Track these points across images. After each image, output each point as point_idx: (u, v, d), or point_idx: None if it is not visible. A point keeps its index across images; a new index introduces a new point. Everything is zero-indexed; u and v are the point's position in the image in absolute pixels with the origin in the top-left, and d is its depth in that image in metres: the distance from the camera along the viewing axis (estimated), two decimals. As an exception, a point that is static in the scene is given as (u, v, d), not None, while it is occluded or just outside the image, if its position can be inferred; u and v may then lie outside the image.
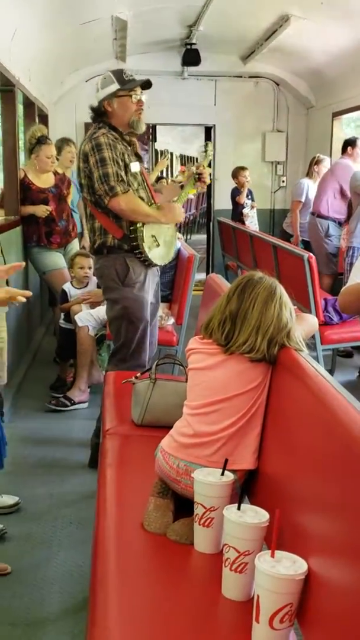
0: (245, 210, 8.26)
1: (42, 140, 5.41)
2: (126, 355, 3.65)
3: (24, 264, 2.67)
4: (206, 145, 3.95)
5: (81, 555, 2.89)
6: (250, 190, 8.38)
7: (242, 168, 8.25)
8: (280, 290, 2.09)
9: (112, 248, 3.54)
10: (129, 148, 3.58)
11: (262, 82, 9.16)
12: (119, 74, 3.51)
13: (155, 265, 3.64)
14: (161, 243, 3.61)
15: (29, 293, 2.58)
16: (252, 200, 8.36)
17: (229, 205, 8.69)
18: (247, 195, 8.29)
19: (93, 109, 3.58)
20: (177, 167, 22.19)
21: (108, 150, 3.40)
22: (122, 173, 3.42)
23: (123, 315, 3.60)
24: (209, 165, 3.84)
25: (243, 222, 8.20)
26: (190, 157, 23.01)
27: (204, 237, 10.72)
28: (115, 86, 3.48)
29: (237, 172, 8.22)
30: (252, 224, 8.26)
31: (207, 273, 9.19)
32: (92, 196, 3.50)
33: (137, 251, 3.51)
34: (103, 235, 3.55)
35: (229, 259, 8.70)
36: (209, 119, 9.29)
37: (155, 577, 1.81)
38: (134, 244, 3.49)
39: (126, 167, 3.47)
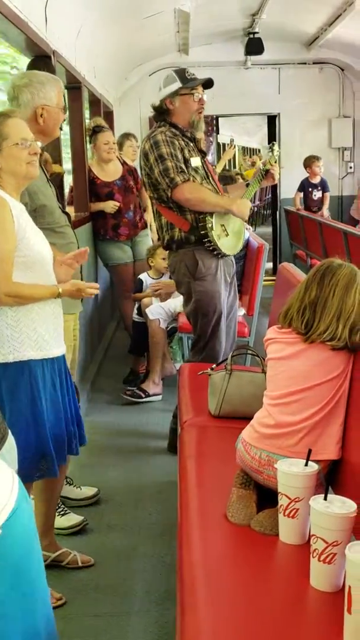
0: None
1: (97, 130, 5.48)
2: (202, 347, 3.67)
3: (87, 248, 2.70)
4: (272, 145, 3.91)
5: (163, 546, 2.92)
6: (324, 180, 8.26)
7: (316, 157, 8.13)
8: (361, 276, 2.05)
9: (180, 242, 3.56)
10: (191, 144, 3.58)
11: (326, 68, 9.01)
12: (181, 73, 3.53)
13: (225, 255, 3.62)
14: (230, 233, 3.60)
15: (96, 285, 2.60)
16: (327, 190, 8.24)
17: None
18: (318, 186, 8.18)
19: (155, 108, 3.62)
20: (239, 159, 22.09)
21: (165, 147, 3.43)
22: (182, 165, 3.44)
23: (196, 308, 3.62)
24: (276, 162, 3.80)
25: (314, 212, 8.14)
26: (253, 148, 22.88)
27: (268, 229, 10.63)
28: (177, 84, 3.51)
29: (310, 162, 8.09)
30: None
31: (274, 263, 9.11)
32: (154, 193, 3.52)
33: (206, 240, 3.50)
34: (170, 230, 3.57)
35: (297, 248, 8.61)
36: (274, 108, 9.19)
37: (242, 568, 1.80)
38: (203, 232, 3.49)
39: (186, 162, 3.48)
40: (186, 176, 3.42)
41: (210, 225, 3.47)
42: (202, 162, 3.60)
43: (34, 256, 2.39)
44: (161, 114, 3.59)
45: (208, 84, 3.57)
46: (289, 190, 9.00)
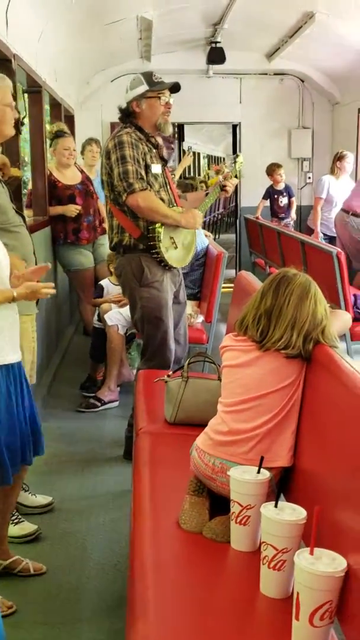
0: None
1: (59, 134, 5.49)
2: (151, 353, 3.68)
3: (49, 264, 2.68)
4: (236, 156, 3.95)
5: (116, 554, 2.90)
6: (288, 186, 8.33)
7: (278, 165, 8.20)
8: (315, 286, 2.08)
9: (128, 247, 3.56)
10: (154, 150, 3.59)
11: (287, 79, 9.11)
12: (148, 76, 3.55)
13: (172, 267, 3.63)
14: (179, 246, 3.62)
15: (50, 284, 2.57)
16: (292, 195, 8.30)
17: (255, 203, 8.65)
18: (283, 192, 8.24)
19: (121, 110, 3.62)
20: (204, 167, 22.21)
21: (129, 149, 3.43)
22: (142, 172, 3.44)
23: (142, 315, 3.63)
24: (236, 177, 3.85)
25: (280, 219, 8.19)
26: (218, 157, 23.03)
27: (232, 236, 10.69)
28: (144, 87, 3.52)
29: (272, 170, 8.16)
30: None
31: (237, 271, 9.17)
32: (111, 193, 3.52)
33: (153, 251, 3.51)
34: (120, 234, 3.57)
35: (257, 256, 8.68)
36: (235, 117, 9.26)
37: (193, 575, 1.81)
38: (151, 243, 3.50)
39: (147, 167, 3.49)
40: (144, 184, 3.43)
41: (159, 236, 3.48)
42: (162, 170, 3.61)
43: None
44: (127, 116, 3.59)
45: (175, 88, 3.58)
46: (249, 198, 9.08)
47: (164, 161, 3.68)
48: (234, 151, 10.14)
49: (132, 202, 3.42)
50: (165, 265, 3.58)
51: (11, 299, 2.40)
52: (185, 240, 3.65)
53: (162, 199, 3.53)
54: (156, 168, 3.55)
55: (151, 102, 3.53)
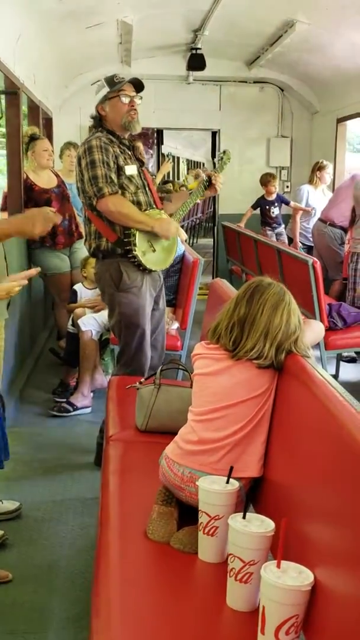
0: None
1: (35, 137, 5.47)
2: (127, 360, 3.65)
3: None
4: (224, 152, 3.92)
5: (84, 563, 2.86)
6: (279, 195, 8.22)
7: (273, 176, 8.06)
8: (289, 296, 2.07)
9: (106, 252, 3.54)
10: (128, 152, 3.57)
11: (266, 87, 9.14)
12: (110, 78, 3.54)
13: (151, 270, 3.61)
14: (158, 249, 3.58)
15: (21, 279, 2.53)
16: (286, 202, 8.06)
17: (233, 210, 8.66)
18: (275, 203, 8.12)
19: (92, 117, 3.62)
20: (183, 171, 22.23)
21: (98, 153, 3.41)
22: (113, 175, 3.42)
23: (120, 320, 3.61)
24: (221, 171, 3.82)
25: (273, 229, 8.11)
26: (197, 162, 23.05)
27: (210, 241, 10.69)
28: (105, 90, 3.52)
29: (267, 180, 8.04)
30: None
31: (214, 277, 9.16)
32: (85, 199, 3.50)
33: (130, 255, 3.49)
34: (97, 239, 3.55)
35: (233, 264, 8.68)
36: (214, 124, 9.26)
37: (159, 586, 1.78)
38: (127, 248, 3.48)
39: (120, 169, 3.46)
40: (114, 188, 3.40)
41: (134, 240, 3.46)
42: (139, 171, 3.58)
43: None
44: (99, 121, 3.59)
45: (135, 84, 3.54)
46: (227, 205, 9.08)
47: (140, 162, 3.65)
48: (214, 156, 10.14)
49: (103, 206, 3.40)
50: (144, 269, 3.55)
51: None
52: (165, 243, 3.61)
53: (139, 201, 3.51)
54: (130, 169, 3.52)
55: (113, 103, 3.52)
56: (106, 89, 3.52)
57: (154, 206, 3.59)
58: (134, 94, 3.54)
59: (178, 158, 20.58)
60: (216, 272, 9.52)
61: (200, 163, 22.71)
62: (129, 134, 3.62)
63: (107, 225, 3.49)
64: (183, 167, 22.75)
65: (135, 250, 3.47)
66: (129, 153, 3.58)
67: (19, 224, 2.49)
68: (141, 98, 3.59)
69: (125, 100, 3.51)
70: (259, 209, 8.19)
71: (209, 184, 3.75)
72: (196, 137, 16.76)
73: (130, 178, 3.50)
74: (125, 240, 3.47)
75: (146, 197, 3.57)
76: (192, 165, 23.47)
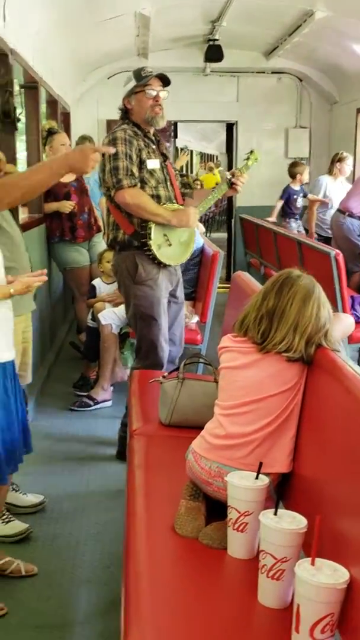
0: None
1: (53, 131, 5.45)
2: (144, 352, 3.66)
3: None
4: (251, 152, 3.88)
5: (108, 556, 2.86)
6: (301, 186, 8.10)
7: (303, 164, 7.91)
8: (319, 289, 2.04)
9: (123, 244, 3.55)
10: (152, 146, 3.57)
11: (285, 78, 9.08)
12: (137, 71, 3.54)
13: (166, 265, 3.59)
14: (174, 243, 3.57)
15: (41, 273, 2.52)
16: (306, 193, 7.83)
17: (250, 203, 8.61)
18: (300, 193, 7.93)
19: (120, 108, 3.62)
20: (196, 164, 22.17)
21: (122, 145, 3.42)
22: (134, 168, 3.42)
23: (135, 313, 3.62)
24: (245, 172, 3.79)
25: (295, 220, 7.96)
26: (210, 155, 22.99)
27: (223, 235, 10.63)
28: (132, 83, 3.53)
29: (303, 169, 7.80)
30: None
31: (228, 271, 9.12)
32: (106, 190, 3.51)
33: (145, 248, 3.49)
34: (115, 231, 3.56)
35: (252, 257, 8.63)
36: (231, 116, 9.23)
37: (188, 582, 1.77)
38: (143, 240, 3.47)
39: (142, 163, 3.46)
40: (134, 181, 3.40)
41: (150, 233, 3.45)
42: (161, 165, 3.57)
43: None
44: (125, 114, 3.60)
45: (162, 79, 3.53)
46: (244, 197, 9.02)
47: (164, 157, 3.64)
48: (228, 149, 10.10)
49: (120, 198, 3.40)
50: (159, 263, 3.54)
51: (8, 295, 2.39)
52: (181, 238, 3.59)
53: (159, 195, 3.49)
54: (153, 163, 3.51)
55: (139, 97, 3.52)
56: (133, 82, 3.52)
57: (174, 201, 3.57)
58: (160, 88, 3.53)
59: (191, 151, 20.53)
60: (233, 265, 9.47)
61: (213, 156, 22.64)
62: (154, 129, 3.61)
63: (125, 217, 3.49)
64: (196, 160, 22.69)
65: (150, 244, 3.46)
66: (153, 147, 3.58)
67: (70, 159, 2.37)
68: (168, 92, 3.57)
69: (151, 94, 3.50)
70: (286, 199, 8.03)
71: (232, 184, 3.72)
72: (209, 130, 16.72)
73: (151, 172, 3.50)
74: (141, 232, 3.47)
75: (167, 191, 3.55)
76: (205, 158, 23.42)
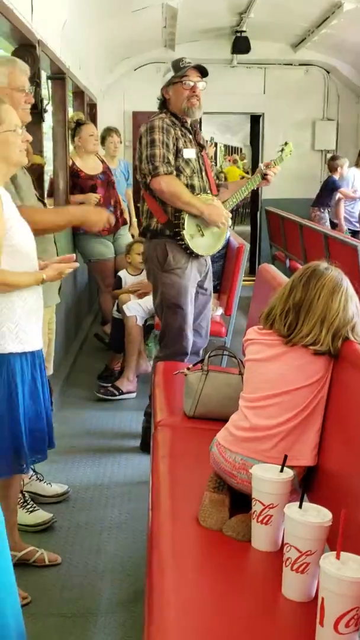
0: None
1: (81, 122, 5.48)
2: (168, 341, 3.67)
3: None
4: (285, 144, 3.88)
5: (131, 547, 2.88)
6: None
7: (343, 158, 7.85)
8: (347, 282, 2.02)
9: (155, 232, 3.56)
10: (189, 135, 3.59)
11: (312, 69, 9.01)
12: (176, 62, 3.56)
13: (198, 255, 3.60)
14: (207, 234, 3.58)
15: (72, 260, 2.57)
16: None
17: (276, 195, 8.55)
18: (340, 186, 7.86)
19: (158, 99, 3.65)
20: (220, 157, 22.07)
21: (159, 133, 3.44)
22: (171, 157, 3.44)
23: (162, 300, 3.63)
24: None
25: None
26: (234, 147, 22.87)
27: (246, 228, 10.56)
28: (171, 74, 3.54)
29: (342, 162, 7.76)
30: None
31: (252, 264, 9.09)
32: (142, 177, 3.53)
33: (178, 237, 3.51)
34: (148, 218, 3.59)
35: (277, 249, 8.60)
36: (258, 108, 9.18)
37: (212, 574, 1.77)
38: (176, 230, 3.50)
39: (179, 151, 3.48)
40: (170, 168, 3.42)
41: (183, 223, 3.47)
42: (197, 155, 3.59)
43: (19, 245, 2.35)
44: (162, 103, 3.63)
45: (200, 70, 3.54)
46: (270, 190, 8.96)
47: (201, 147, 3.66)
48: (252, 141, 10.05)
49: (155, 185, 3.42)
50: (191, 253, 3.55)
51: (41, 280, 2.41)
52: (214, 229, 3.61)
53: (192, 185, 3.51)
54: (189, 152, 3.54)
55: (176, 87, 3.54)
56: (171, 73, 3.54)
57: (209, 192, 3.59)
58: (198, 79, 3.54)
59: (216, 143, 20.44)
60: (258, 258, 9.43)
61: (237, 148, 22.52)
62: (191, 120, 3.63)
63: (159, 205, 3.51)
64: (220, 152, 22.59)
65: (183, 233, 3.46)
66: (190, 137, 3.60)
67: (84, 213, 2.51)
68: (206, 83, 3.58)
69: (187, 85, 3.51)
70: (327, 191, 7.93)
71: (265, 175, 3.73)
72: (234, 122, 16.62)
73: (187, 161, 3.52)
74: (175, 222, 3.48)
75: (201, 181, 3.57)
76: (230, 150, 23.31)
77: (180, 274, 3.57)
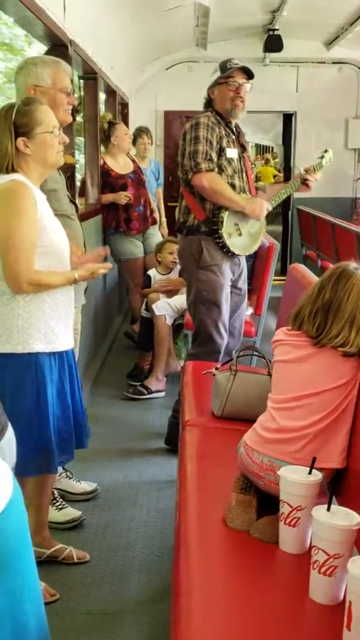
0: None
1: (113, 122, 5.52)
2: (202, 339, 3.65)
3: (108, 249, 2.68)
4: (325, 151, 3.90)
5: (159, 546, 2.88)
6: None
7: None
8: (377, 282, 2.00)
9: (191, 229, 3.57)
10: (232, 136, 3.62)
11: (345, 67, 8.92)
12: (223, 63, 3.60)
13: (234, 254, 3.60)
14: (244, 233, 3.60)
15: (107, 265, 2.62)
16: None
17: (309, 194, 8.47)
18: None
19: (205, 98, 3.68)
20: (251, 156, 22.00)
21: (204, 130, 3.47)
22: (214, 154, 3.46)
23: (197, 297, 3.63)
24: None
25: None
26: (266, 146, 22.74)
27: (276, 228, 10.48)
28: (217, 74, 3.58)
29: None
30: None
31: (283, 263, 9.04)
32: (183, 174, 3.54)
33: (216, 235, 3.52)
34: (186, 215, 3.60)
35: (308, 249, 8.54)
36: (291, 106, 9.12)
37: (239, 575, 1.76)
38: (214, 227, 3.51)
39: (222, 150, 3.50)
40: (212, 165, 3.44)
41: (222, 221, 3.47)
42: (239, 156, 3.61)
43: (52, 245, 2.38)
44: (209, 102, 3.66)
45: (245, 72, 3.58)
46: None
47: (243, 148, 3.68)
48: (284, 141, 9.99)
49: (197, 181, 3.43)
50: (227, 251, 3.55)
51: (73, 280, 2.43)
52: (252, 229, 3.63)
53: (233, 185, 3.53)
54: (231, 152, 3.56)
55: (221, 89, 3.58)
56: (218, 73, 3.57)
57: (248, 193, 3.61)
58: (243, 80, 3.56)
59: (247, 142, 20.35)
60: (289, 258, 9.38)
61: (269, 147, 22.40)
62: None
63: (198, 202, 3.53)
64: (252, 151, 22.48)
65: (222, 232, 3.48)
66: (233, 137, 3.62)
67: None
68: (252, 85, 3.60)
69: (232, 87, 3.54)
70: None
71: (304, 181, 3.74)
72: (266, 121, 16.52)
73: (230, 160, 3.55)
74: (213, 219, 3.50)
75: (242, 182, 3.60)
76: (261, 149, 23.19)
77: (215, 271, 3.58)
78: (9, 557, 1.16)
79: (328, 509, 1.60)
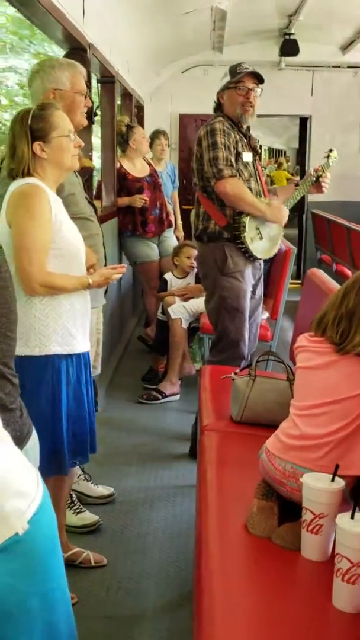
0: None
1: (131, 125, 5.53)
2: (225, 346, 3.63)
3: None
4: (330, 151, 3.89)
5: (176, 551, 2.88)
6: None
7: None
8: None
9: (212, 236, 3.56)
10: (245, 140, 3.61)
11: (360, 72, 8.91)
12: (233, 67, 3.58)
13: (256, 258, 3.61)
14: (265, 237, 3.60)
15: (122, 268, 2.61)
16: None
17: (323, 198, 8.46)
18: None
19: (214, 102, 3.67)
20: (264, 160, 21.98)
21: (221, 136, 3.46)
22: (233, 159, 3.45)
23: (220, 304, 3.61)
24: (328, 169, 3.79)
25: None
26: (279, 149, 22.75)
27: (291, 232, 10.41)
28: (227, 78, 3.57)
29: None
30: None
31: (299, 267, 9.02)
32: (200, 181, 3.54)
33: (238, 241, 3.51)
34: (206, 221, 3.58)
35: (323, 253, 8.52)
36: (306, 110, 9.11)
37: (261, 582, 1.76)
38: (236, 233, 3.50)
39: (238, 155, 3.50)
40: (234, 171, 3.44)
41: (244, 226, 3.47)
42: (252, 160, 3.61)
43: (68, 248, 2.39)
44: (219, 106, 3.65)
45: (261, 79, 3.57)
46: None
47: (254, 152, 3.67)
48: (300, 144, 9.98)
49: (220, 187, 3.43)
50: (249, 256, 3.56)
51: (87, 285, 2.44)
52: (271, 232, 3.64)
53: (250, 188, 3.53)
54: (247, 156, 3.57)
55: (230, 93, 3.56)
56: (228, 78, 3.56)
57: (262, 196, 3.62)
58: (253, 85, 3.55)
59: (260, 146, 20.36)
60: (304, 262, 9.36)
61: (282, 151, 22.40)
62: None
63: (218, 208, 3.52)
64: (265, 155, 22.50)
65: (244, 237, 3.47)
66: (245, 141, 3.62)
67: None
68: (262, 90, 3.59)
69: (242, 91, 3.53)
70: None
71: (317, 180, 3.73)
72: (279, 124, 16.51)
73: (246, 164, 3.55)
74: (234, 225, 3.50)
75: (257, 186, 3.60)
76: (274, 153, 23.20)
77: (239, 277, 3.58)
78: (40, 560, 1.17)
79: (352, 517, 1.60)
